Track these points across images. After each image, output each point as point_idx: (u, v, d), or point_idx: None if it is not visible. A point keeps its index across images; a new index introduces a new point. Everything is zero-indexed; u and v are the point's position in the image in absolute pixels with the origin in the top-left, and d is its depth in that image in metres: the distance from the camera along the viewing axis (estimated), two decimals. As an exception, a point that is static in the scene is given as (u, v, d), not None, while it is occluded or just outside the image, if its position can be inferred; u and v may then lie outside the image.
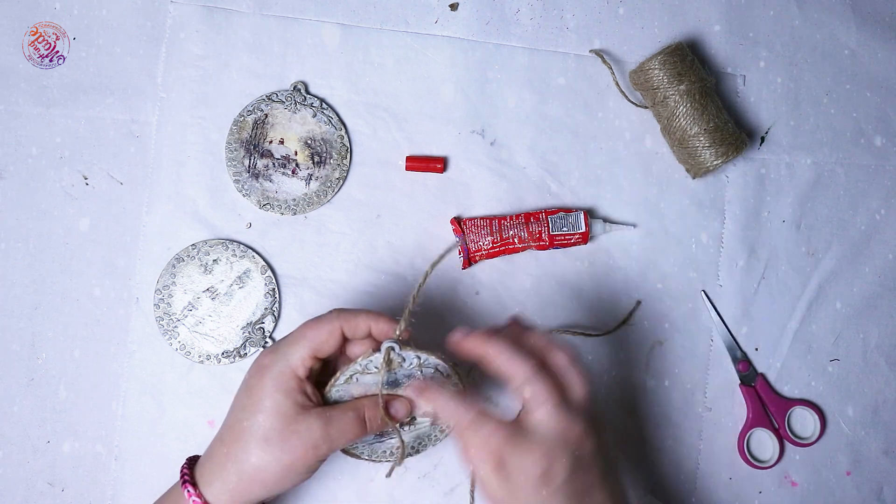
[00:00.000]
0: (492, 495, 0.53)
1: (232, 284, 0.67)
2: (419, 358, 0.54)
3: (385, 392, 0.55)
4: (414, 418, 0.58)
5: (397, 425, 0.57)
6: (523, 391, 0.52)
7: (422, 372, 0.56)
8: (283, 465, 0.52)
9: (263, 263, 0.67)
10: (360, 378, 0.55)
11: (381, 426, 0.55)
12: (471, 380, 0.57)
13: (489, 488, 0.52)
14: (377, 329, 0.54)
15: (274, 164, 0.68)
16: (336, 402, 0.56)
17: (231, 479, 0.52)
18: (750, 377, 0.70)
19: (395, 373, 0.55)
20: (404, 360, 0.54)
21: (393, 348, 0.53)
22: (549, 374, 0.53)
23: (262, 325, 0.67)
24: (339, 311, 0.55)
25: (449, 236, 0.69)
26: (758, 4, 0.72)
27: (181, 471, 0.54)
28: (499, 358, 0.53)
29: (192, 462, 0.56)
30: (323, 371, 0.56)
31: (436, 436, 0.60)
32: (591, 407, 0.54)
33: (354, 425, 0.54)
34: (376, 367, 0.54)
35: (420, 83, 0.69)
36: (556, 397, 0.52)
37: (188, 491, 0.52)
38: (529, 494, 0.51)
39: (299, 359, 0.53)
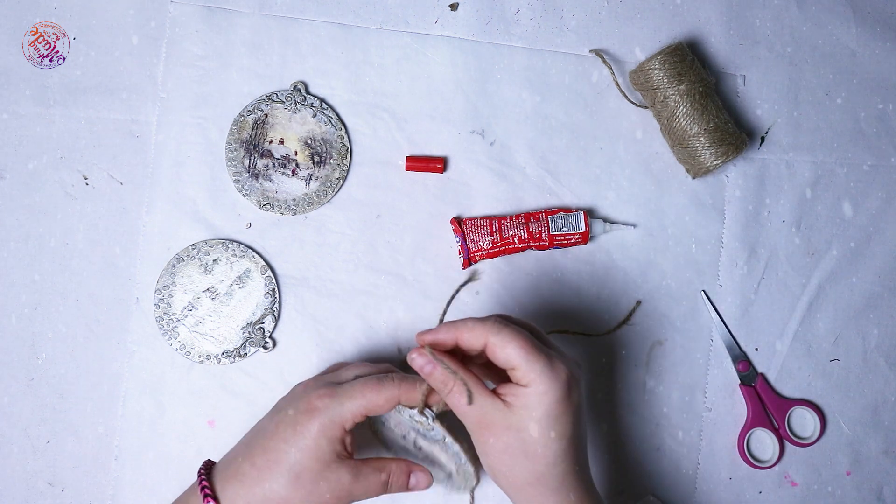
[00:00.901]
0: (494, 430, 0.53)
1: (232, 284, 0.67)
2: (445, 439, 0.58)
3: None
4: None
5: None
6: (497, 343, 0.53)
7: (445, 444, 0.59)
8: (307, 502, 0.54)
9: (263, 263, 0.67)
10: (401, 412, 0.58)
11: (402, 489, 0.58)
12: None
13: (492, 419, 0.53)
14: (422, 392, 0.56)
15: (274, 164, 0.68)
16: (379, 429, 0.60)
17: (255, 501, 0.53)
18: (750, 377, 0.70)
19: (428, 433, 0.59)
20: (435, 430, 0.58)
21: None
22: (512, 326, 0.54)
23: (262, 325, 0.67)
24: (399, 383, 0.56)
25: (449, 236, 0.69)
26: (758, 4, 0.72)
27: (201, 483, 0.55)
28: (465, 327, 0.54)
29: (207, 468, 0.57)
30: None
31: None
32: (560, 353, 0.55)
33: (378, 487, 0.56)
34: (417, 422, 0.58)
35: (420, 83, 0.69)
36: (527, 343, 0.52)
37: None
38: (545, 411, 0.52)
39: (351, 413, 0.54)
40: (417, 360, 0.55)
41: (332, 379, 0.58)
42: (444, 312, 0.57)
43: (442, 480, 0.61)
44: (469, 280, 0.61)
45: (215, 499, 0.54)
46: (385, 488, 0.57)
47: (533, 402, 0.52)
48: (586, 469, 0.56)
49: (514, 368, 0.52)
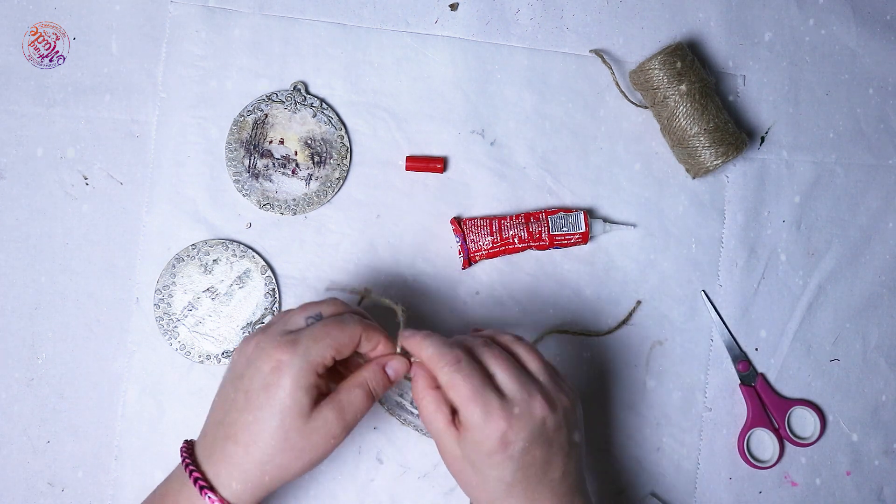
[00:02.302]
0: (448, 453, 0.54)
1: (232, 284, 0.67)
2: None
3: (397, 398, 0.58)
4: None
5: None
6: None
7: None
8: (305, 461, 0.52)
9: (263, 263, 0.67)
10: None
11: (385, 390, 0.55)
12: None
13: (445, 444, 0.53)
14: (384, 349, 0.56)
15: (274, 164, 0.68)
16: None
17: (253, 480, 0.52)
18: (750, 377, 0.70)
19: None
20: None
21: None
22: (497, 349, 0.54)
23: (262, 325, 0.67)
24: (357, 318, 0.55)
25: (449, 236, 0.69)
26: (758, 4, 0.72)
27: (191, 474, 0.52)
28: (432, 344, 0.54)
29: (190, 452, 0.54)
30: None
31: None
32: (553, 385, 0.54)
33: (364, 402, 0.54)
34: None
35: (420, 83, 0.69)
36: (472, 390, 0.52)
37: (210, 498, 0.51)
38: (483, 457, 0.51)
39: (320, 357, 0.52)
40: (391, 367, 0.56)
41: (283, 328, 0.54)
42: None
43: (421, 428, 0.63)
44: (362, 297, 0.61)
45: (211, 489, 0.52)
46: (371, 397, 0.54)
47: (471, 445, 0.52)
48: (562, 495, 0.54)
49: (456, 409, 0.53)
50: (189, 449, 0.55)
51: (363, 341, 0.54)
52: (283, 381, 0.51)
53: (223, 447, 0.52)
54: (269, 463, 0.51)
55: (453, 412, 0.53)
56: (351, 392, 0.54)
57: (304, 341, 0.52)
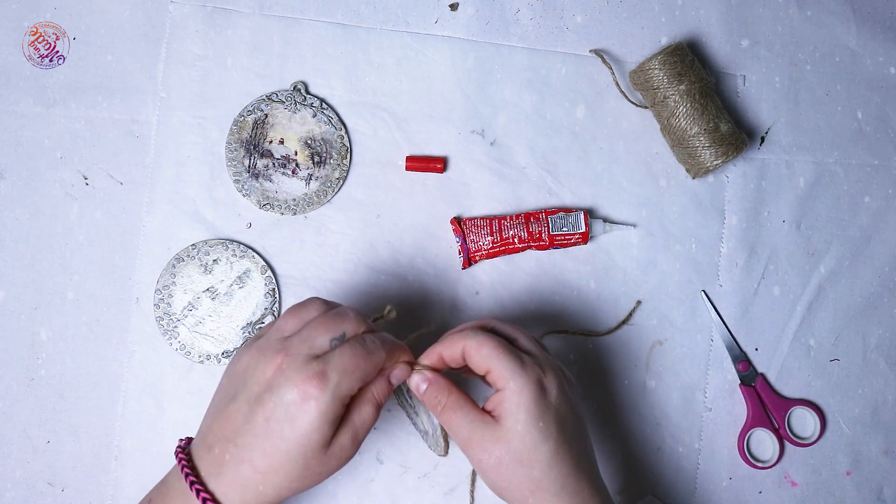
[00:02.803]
0: (483, 443, 0.53)
1: (232, 284, 0.67)
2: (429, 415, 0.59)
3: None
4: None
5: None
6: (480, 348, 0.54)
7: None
8: (319, 481, 0.53)
9: (263, 263, 0.67)
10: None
11: (390, 394, 0.55)
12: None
13: (479, 435, 0.54)
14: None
15: (274, 164, 0.68)
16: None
17: (266, 501, 0.51)
18: (750, 377, 0.70)
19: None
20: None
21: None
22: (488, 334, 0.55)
23: (262, 325, 0.67)
24: (384, 346, 0.54)
25: (449, 236, 0.69)
26: (758, 4, 0.72)
27: (192, 485, 0.51)
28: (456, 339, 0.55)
29: (190, 464, 0.53)
30: None
31: None
32: (543, 354, 0.56)
33: (373, 414, 0.54)
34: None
35: (420, 83, 0.69)
36: (500, 345, 0.54)
37: None
38: (524, 414, 0.52)
39: (349, 390, 0.51)
40: (414, 379, 0.56)
41: (308, 351, 0.52)
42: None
43: (420, 435, 0.62)
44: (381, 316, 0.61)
45: (214, 500, 0.50)
46: (378, 409, 0.54)
47: (513, 405, 0.52)
48: (592, 471, 0.55)
49: (489, 371, 0.53)
50: (189, 461, 0.53)
51: (387, 365, 0.55)
52: (311, 416, 0.50)
53: (237, 469, 0.51)
54: (286, 489, 0.51)
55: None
56: (362, 411, 0.53)
57: (333, 375, 0.50)
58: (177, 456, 0.53)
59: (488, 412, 0.54)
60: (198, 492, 0.50)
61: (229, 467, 0.51)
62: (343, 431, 0.52)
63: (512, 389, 0.52)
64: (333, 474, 0.53)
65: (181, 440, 0.55)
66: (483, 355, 0.53)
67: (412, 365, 0.56)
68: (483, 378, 0.56)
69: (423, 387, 0.55)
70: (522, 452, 0.52)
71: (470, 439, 0.53)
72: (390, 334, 0.56)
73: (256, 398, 0.51)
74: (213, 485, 0.51)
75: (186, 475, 0.51)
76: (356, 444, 0.53)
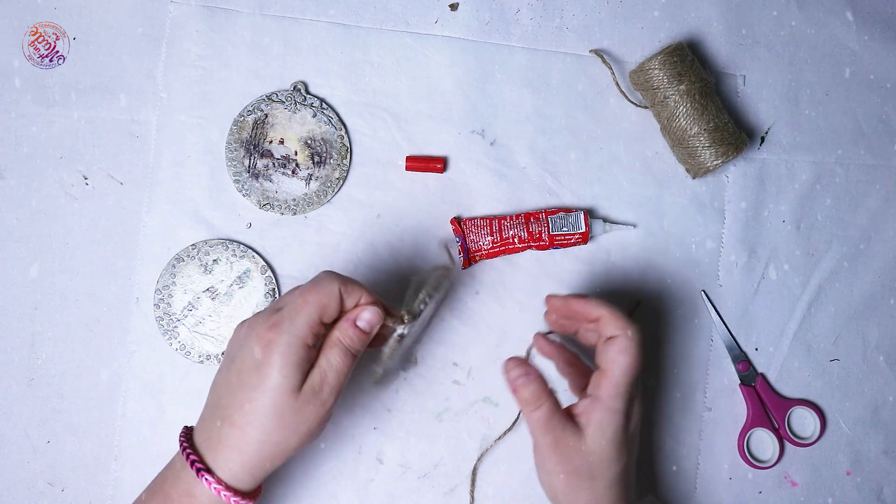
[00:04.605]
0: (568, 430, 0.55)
1: (232, 284, 0.67)
2: (422, 309, 0.58)
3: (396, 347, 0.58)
4: (402, 336, 0.59)
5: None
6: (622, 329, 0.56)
7: (427, 304, 0.58)
8: (301, 434, 0.52)
9: (263, 263, 0.67)
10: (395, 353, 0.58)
11: (364, 344, 0.55)
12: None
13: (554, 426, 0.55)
14: (366, 300, 0.55)
15: (274, 164, 0.68)
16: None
17: (252, 462, 0.52)
18: (750, 377, 0.70)
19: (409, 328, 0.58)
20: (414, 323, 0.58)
21: (402, 335, 0.57)
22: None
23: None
24: (333, 275, 0.54)
25: (449, 236, 0.69)
26: (758, 4, 0.72)
27: (189, 457, 0.52)
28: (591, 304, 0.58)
29: (188, 437, 0.54)
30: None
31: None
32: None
33: (342, 359, 0.53)
34: (398, 339, 0.58)
35: (420, 83, 0.69)
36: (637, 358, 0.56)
37: (207, 479, 0.51)
38: (627, 378, 0.55)
39: (307, 326, 0.52)
40: (513, 371, 0.56)
41: (273, 306, 0.54)
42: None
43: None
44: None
45: (209, 470, 0.52)
46: (348, 354, 0.54)
47: (604, 421, 0.55)
48: (633, 494, 0.58)
49: (609, 376, 0.55)
50: (187, 434, 0.55)
51: (345, 297, 0.54)
52: (274, 360, 0.51)
53: (220, 430, 0.52)
54: (265, 442, 0.52)
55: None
56: (328, 354, 0.53)
57: (287, 316, 0.52)
58: (179, 435, 0.55)
59: (573, 415, 0.56)
60: (188, 456, 0.52)
61: (214, 430, 0.53)
62: (312, 375, 0.52)
63: (611, 409, 0.55)
64: (318, 430, 0.53)
65: (185, 426, 0.57)
66: (621, 361, 0.55)
67: (382, 306, 0.55)
68: (560, 358, 0.60)
69: (523, 380, 0.56)
70: (596, 467, 0.55)
71: (556, 444, 0.55)
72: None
73: (230, 359, 0.54)
74: (202, 450, 0.53)
75: (183, 447, 0.53)
76: (330, 390, 0.53)
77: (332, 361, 0.53)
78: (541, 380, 0.56)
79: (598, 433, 0.55)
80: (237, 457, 0.52)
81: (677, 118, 0.66)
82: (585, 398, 0.56)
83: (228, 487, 0.52)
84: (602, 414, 0.55)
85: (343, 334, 0.54)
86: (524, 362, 0.57)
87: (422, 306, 0.57)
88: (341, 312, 0.55)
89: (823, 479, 0.71)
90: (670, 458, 0.70)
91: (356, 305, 0.55)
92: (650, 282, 0.70)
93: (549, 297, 0.62)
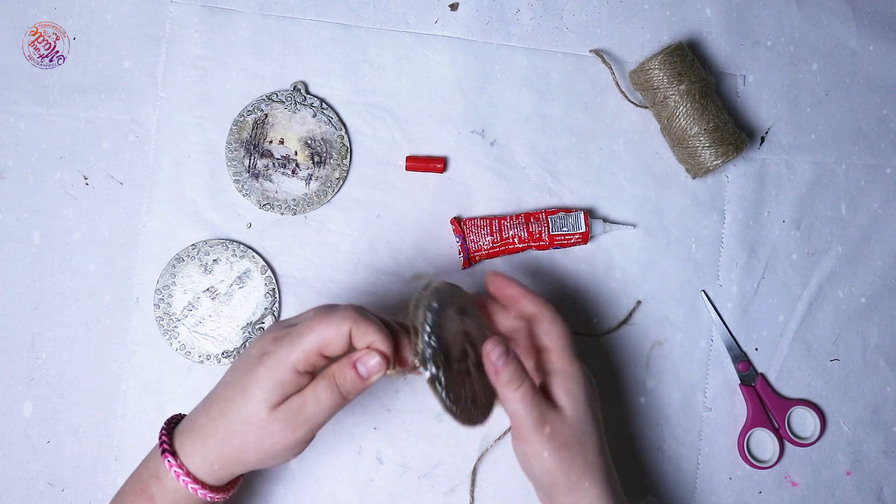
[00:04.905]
0: (545, 427, 0.55)
1: (232, 284, 0.67)
2: (428, 331, 0.52)
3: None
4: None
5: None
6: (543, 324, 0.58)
7: (438, 327, 0.53)
8: (262, 451, 0.52)
9: (263, 263, 0.67)
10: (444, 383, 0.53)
11: (359, 390, 0.52)
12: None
13: (541, 418, 0.55)
14: (379, 345, 0.52)
15: (274, 164, 0.68)
16: None
17: (212, 455, 0.52)
18: (750, 377, 0.70)
19: (440, 354, 0.53)
20: (432, 347, 0.52)
21: (437, 379, 0.52)
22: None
23: (262, 325, 0.67)
24: (351, 311, 0.52)
25: (449, 236, 0.69)
26: (758, 4, 0.72)
27: (160, 437, 0.54)
28: (525, 296, 0.59)
29: (171, 424, 0.56)
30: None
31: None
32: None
33: (330, 398, 0.51)
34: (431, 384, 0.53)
35: (420, 83, 0.69)
36: (569, 330, 0.58)
37: (168, 461, 0.52)
38: (583, 394, 0.57)
39: (302, 354, 0.50)
40: (494, 352, 0.54)
41: (291, 321, 0.54)
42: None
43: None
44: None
45: (173, 453, 0.53)
46: (336, 393, 0.51)
47: (574, 389, 0.56)
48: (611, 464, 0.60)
49: (551, 349, 0.57)
50: (174, 420, 0.56)
51: (354, 336, 0.51)
52: (260, 371, 0.51)
53: (197, 417, 0.54)
54: (227, 442, 0.52)
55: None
56: (316, 386, 0.52)
57: (290, 335, 0.51)
58: (165, 421, 0.57)
59: (547, 393, 0.57)
60: (160, 437, 0.54)
61: (193, 416, 0.54)
62: (293, 399, 0.51)
63: (572, 374, 0.57)
64: (284, 455, 0.52)
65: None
66: (554, 333, 0.57)
67: (393, 344, 0.52)
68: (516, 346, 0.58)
69: (503, 360, 0.54)
70: (581, 434, 0.56)
71: (542, 420, 0.55)
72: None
73: (238, 357, 0.55)
74: (178, 435, 0.54)
75: (161, 432, 0.55)
76: (305, 420, 0.51)
77: (317, 394, 0.51)
78: (519, 360, 0.55)
79: (573, 402, 0.56)
80: (202, 446, 0.52)
81: (677, 118, 0.66)
82: (546, 377, 0.57)
83: (188, 473, 0.52)
84: (569, 384, 0.56)
85: (338, 372, 0.52)
86: (504, 343, 0.55)
87: (428, 349, 0.52)
88: (351, 347, 0.52)
89: (823, 479, 0.71)
90: (670, 458, 0.70)
91: (367, 346, 0.52)
92: (650, 282, 0.70)
93: (491, 276, 0.61)
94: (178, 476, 0.52)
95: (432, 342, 0.53)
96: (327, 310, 0.52)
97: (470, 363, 0.56)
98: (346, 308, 0.52)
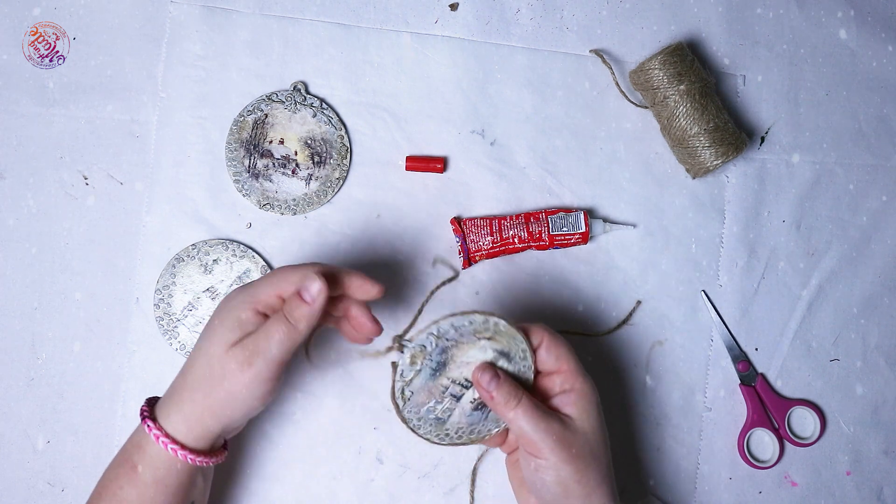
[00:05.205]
0: (551, 442, 0.55)
1: (232, 284, 0.67)
2: (433, 334, 0.55)
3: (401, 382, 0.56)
4: (464, 385, 0.57)
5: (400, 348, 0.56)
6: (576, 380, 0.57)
7: (446, 339, 0.55)
8: (225, 393, 0.52)
9: (263, 263, 0.67)
10: (414, 381, 0.56)
11: (306, 317, 0.53)
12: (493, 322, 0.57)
13: (549, 433, 0.55)
14: (354, 285, 0.56)
15: (274, 164, 0.68)
16: (420, 420, 0.57)
17: (186, 410, 0.53)
18: (750, 377, 0.70)
19: (430, 358, 0.56)
20: (424, 347, 0.55)
21: (403, 343, 0.55)
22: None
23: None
24: (316, 265, 0.55)
25: (449, 236, 0.69)
26: (758, 4, 0.72)
27: (141, 409, 0.55)
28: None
29: (150, 402, 0.57)
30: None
31: (489, 429, 0.59)
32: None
33: (282, 329, 0.52)
34: (410, 360, 0.55)
35: (420, 83, 0.69)
36: (572, 348, 0.58)
37: (148, 426, 0.53)
38: (594, 415, 0.57)
39: (262, 293, 0.54)
40: (483, 378, 0.56)
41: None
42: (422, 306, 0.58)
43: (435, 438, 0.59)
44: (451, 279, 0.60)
45: (153, 418, 0.54)
46: (286, 324, 0.52)
47: (586, 403, 0.56)
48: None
49: (560, 370, 0.57)
50: (153, 398, 0.57)
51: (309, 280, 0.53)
52: (222, 312, 0.54)
53: (173, 383, 0.55)
54: (196, 391, 0.53)
55: None
56: (269, 322, 0.53)
57: (254, 281, 0.55)
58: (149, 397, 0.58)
59: (555, 410, 0.57)
60: (142, 411, 0.55)
61: (170, 386, 0.55)
62: (249, 338, 0.53)
63: (583, 390, 0.57)
64: (245, 396, 0.52)
65: None
66: (560, 354, 0.57)
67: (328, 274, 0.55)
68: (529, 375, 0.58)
69: (494, 384, 0.55)
70: (595, 445, 0.56)
71: (549, 431, 0.55)
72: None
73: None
74: (160, 405, 0.55)
75: (142, 406, 0.56)
76: (261, 356, 0.52)
77: (269, 328, 0.53)
78: (511, 380, 0.56)
79: (585, 415, 0.56)
80: (175, 405, 0.54)
81: (677, 118, 0.66)
82: (557, 397, 0.57)
83: (167, 435, 0.53)
84: (581, 400, 0.56)
85: (287, 304, 0.53)
86: (492, 367, 0.56)
87: (417, 346, 0.55)
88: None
89: (823, 479, 0.71)
90: (670, 458, 0.70)
91: (342, 295, 0.56)
92: (650, 282, 0.70)
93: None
94: (158, 438, 0.53)
95: (429, 340, 0.55)
96: (288, 268, 0.55)
97: (466, 396, 0.57)
98: (314, 264, 0.55)
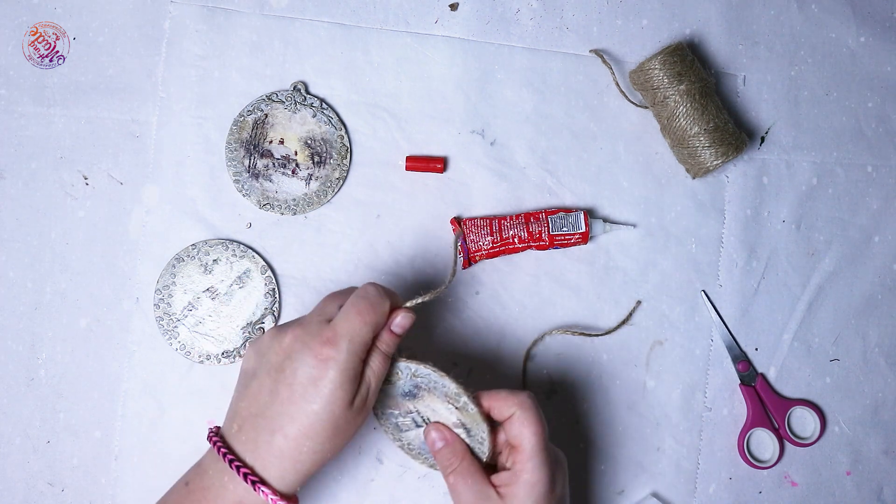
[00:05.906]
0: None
1: (232, 284, 0.67)
2: (410, 369, 0.57)
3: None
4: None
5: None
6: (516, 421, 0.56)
7: (420, 380, 0.57)
8: (348, 440, 0.54)
9: (263, 263, 0.67)
10: (388, 386, 0.58)
11: (395, 346, 0.56)
12: (469, 383, 0.58)
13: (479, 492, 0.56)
14: (401, 303, 0.57)
15: (274, 164, 0.68)
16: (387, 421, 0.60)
17: (304, 469, 0.53)
18: (750, 377, 0.70)
19: (403, 383, 0.58)
20: (399, 373, 0.57)
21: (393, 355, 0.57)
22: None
23: (262, 325, 0.67)
24: (382, 291, 0.55)
25: (449, 236, 0.69)
26: (758, 4, 0.72)
27: (238, 470, 0.51)
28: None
29: (226, 445, 0.53)
30: None
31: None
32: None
33: (383, 364, 0.55)
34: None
35: (420, 83, 0.69)
36: (543, 432, 0.56)
37: (263, 491, 0.51)
38: (550, 487, 0.55)
39: (364, 346, 0.53)
40: (431, 434, 0.58)
41: (318, 319, 0.55)
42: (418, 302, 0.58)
43: (415, 448, 0.61)
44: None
45: (263, 482, 0.51)
46: (386, 358, 0.55)
47: (524, 493, 0.54)
48: None
49: (519, 449, 0.55)
50: (224, 443, 0.54)
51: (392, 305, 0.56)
52: (332, 375, 0.52)
53: (270, 441, 0.52)
54: (319, 452, 0.53)
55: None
56: (371, 363, 0.55)
57: (343, 334, 0.53)
58: (210, 440, 0.54)
59: (495, 486, 0.56)
60: (238, 469, 0.52)
61: (263, 440, 0.52)
62: (362, 386, 0.54)
63: (527, 480, 0.55)
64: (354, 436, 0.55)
65: (211, 428, 0.56)
66: (525, 433, 0.55)
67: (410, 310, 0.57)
68: (493, 440, 0.58)
69: (439, 445, 0.57)
70: None
71: (484, 501, 0.55)
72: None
73: (277, 368, 0.53)
74: (250, 461, 0.52)
75: (224, 455, 0.53)
76: (373, 395, 0.55)
77: (374, 369, 0.55)
78: (458, 443, 0.57)
79: (516, 502, 0.55)
80: (292, 466, 0.52)
81: (677, 118, 0.66)
82: (504, 471, 0.56)
83: (283, 497, 0.52)
84: (522, 488, 0.55)
85: (384, 342, 0.55)
86: (444, 427, 0.58)
87: (399, 369, 0.58)
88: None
89: (823, 479, 0.71)
90: (670, 458, 0.70)
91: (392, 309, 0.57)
92: (650, 282, 0.70)
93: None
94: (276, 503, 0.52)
95: (405, 373, 0.57)
96: (364, 299, 0.54)
97: (426, 421, 0.59)
98: (377, 290, 0.55)
